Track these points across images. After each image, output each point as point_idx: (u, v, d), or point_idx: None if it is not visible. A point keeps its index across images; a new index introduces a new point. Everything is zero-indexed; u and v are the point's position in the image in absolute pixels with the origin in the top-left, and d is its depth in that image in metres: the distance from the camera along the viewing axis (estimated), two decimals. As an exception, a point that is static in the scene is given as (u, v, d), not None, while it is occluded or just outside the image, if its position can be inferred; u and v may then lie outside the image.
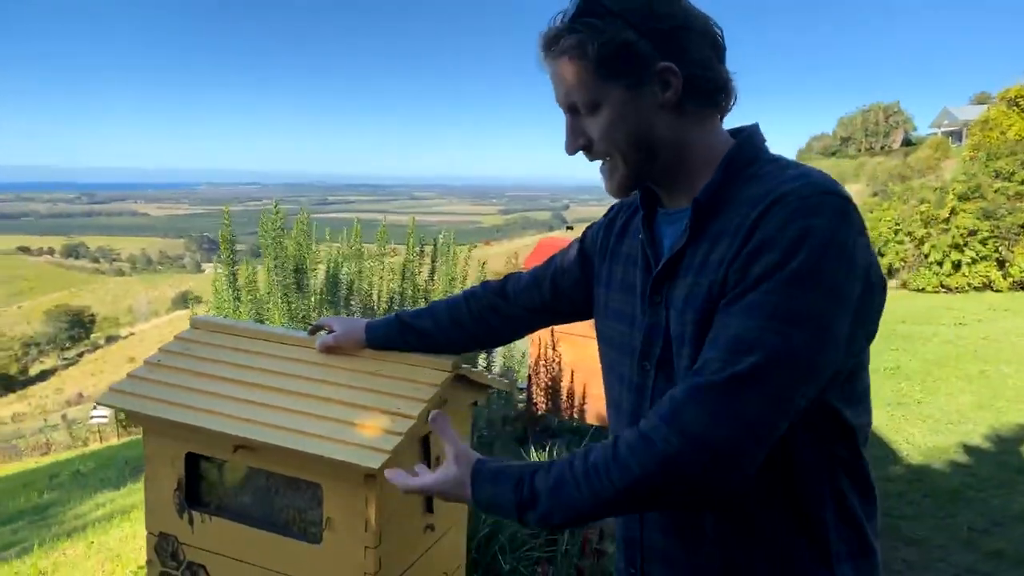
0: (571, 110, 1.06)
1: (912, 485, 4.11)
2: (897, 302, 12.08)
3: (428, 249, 3.10)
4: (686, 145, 1.05)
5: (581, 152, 1.10)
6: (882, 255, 16.55)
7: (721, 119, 1.09)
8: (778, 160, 1.04)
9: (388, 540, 1.41)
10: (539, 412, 4.13)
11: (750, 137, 1.07)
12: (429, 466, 1.54)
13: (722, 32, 1.05)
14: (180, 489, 1.54)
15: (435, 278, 3.08)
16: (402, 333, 1.50)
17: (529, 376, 4.19)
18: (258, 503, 1.52)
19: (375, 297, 2.85)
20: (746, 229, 0.93)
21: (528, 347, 4.23)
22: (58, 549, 5.11)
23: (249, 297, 2.59)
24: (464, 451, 1.08)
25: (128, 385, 1.55)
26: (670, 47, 0.99)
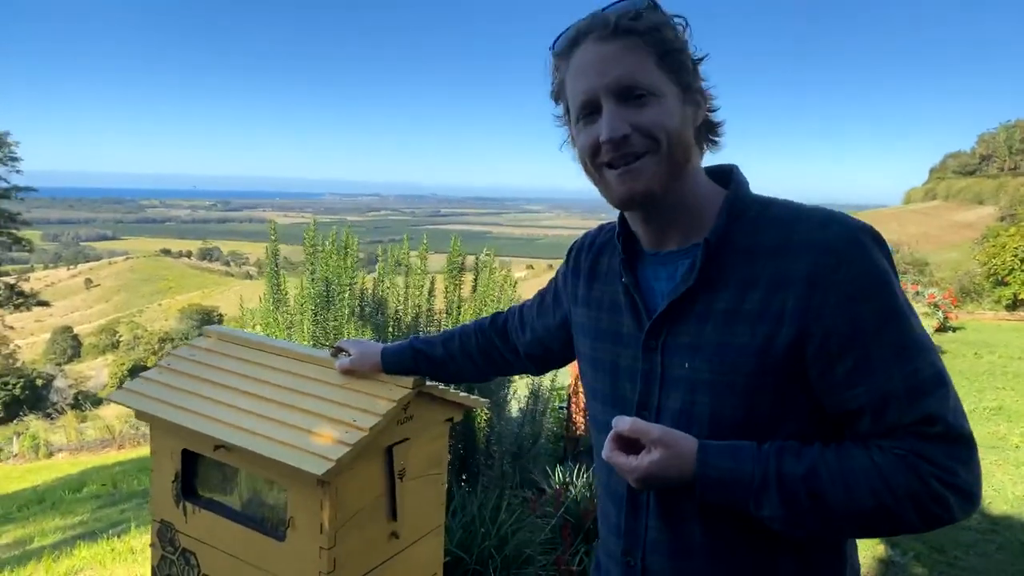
0: (622, 94, 0.97)
1: (986, 536, 3.81)
2: (1018, 336, 11.10)
3: (470, 265, 3.20)
4: (695, 174, 1.04)
5: (601, 148, 0.99)
6: (1006, 284, 15.22)
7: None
8: (768, 202, 1.03)
9: (344, 543, 1.51)
10: (578, 433, 4.16)
11: (741, 181, 1.05)
12: (393, 479, 1.64)
13: None
14: (177, 481, 1.71)
15: (474, 296, 3.17)
16: (415, 360, 1.53)
17: (568, 396, 4.22)
18: (239, 499, 1.66)
19: (402, 314, 2.98)
20: (802, 281, 0.92)
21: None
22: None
23: (284, 309, 2.79)
24: (668, 431, 0.95)
25: (137, 385, 1.74)
26: (699, 77, 1.02)
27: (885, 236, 1.01)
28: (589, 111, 1.00)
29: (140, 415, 1.71)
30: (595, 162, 1.01)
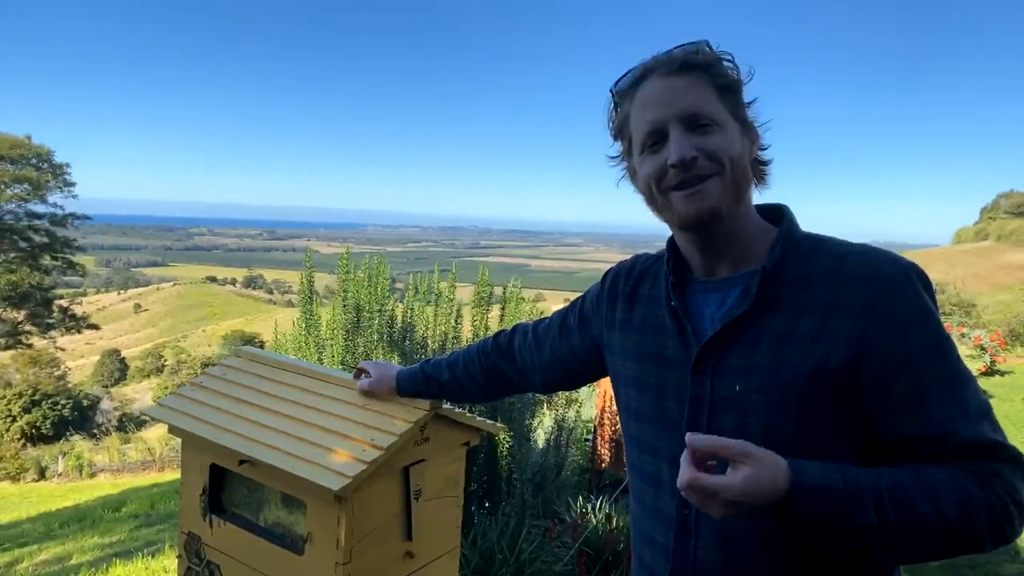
0: (689, 122, 1.03)
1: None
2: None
3: (497, 295, 3.27)
4: (749, 206, 1.11)
5: (668, 172, 1.05)
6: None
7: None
8: (820, 237, 1.09)
9: (359, 559, 1.56)
10: (603, 465, 4.14)
11: (792, 218, 1.12)
12: (409, 498, 1.69)
13: None
14: (205, 494, 1.78)
15: (502, 325, 3.23)
16: (426, 383, 1.60)
17: (594, 428, 4.22)
18: (261, 514, 1.72)
19: (430, 340, 3.05)
20: (856, 308, 0.97)
21: (593, 398, 4.27)
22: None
23: (316, 334, 2.90)
24: (747, 443, 0.89)
25: (172, 401, 1.83)
26: (750, 117, 1.10)
27: (931, 276, 1.06)
28: (655, 140, 1.06)
29: (172, 429, 1.80)
30: (661, 187, 1.07)
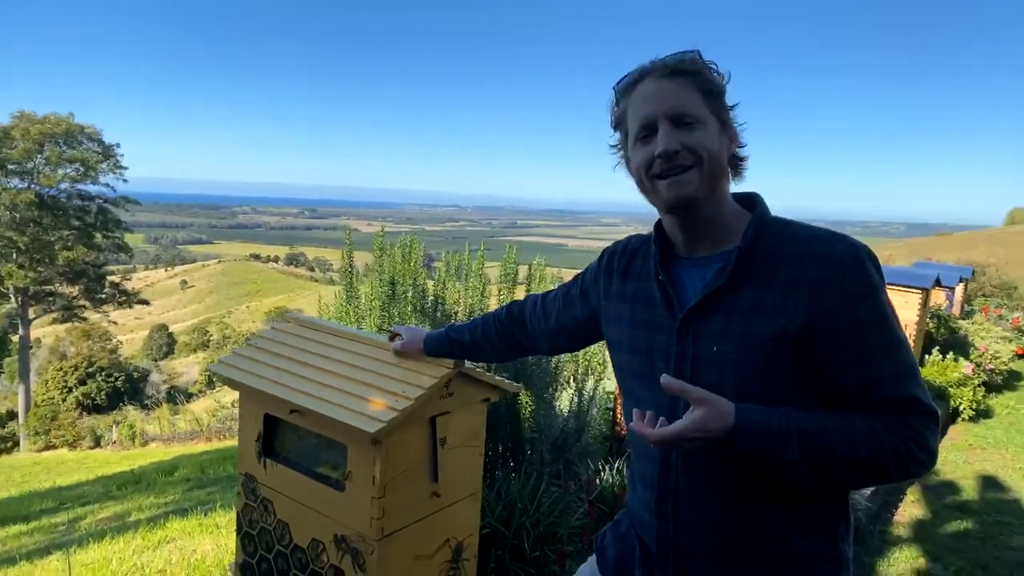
0: (675, 119, 1.21)
1: (1034, 556, 3.79)
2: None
3: (523, 271, 3.49)
4: (725, 194, 1.30)
5: (655, 162, 1.23)
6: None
7: None
8: (787, 222, 1.29)
9: (392, 495, 1.81)
10: (622, 433, 4.34)
11: (764, 205, 1.32)
12: (435, 445, 1.93)
13: None
14: (259, 440, 2.05)
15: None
16: (449, 345, 1.82)
17: (614, 399, 4.41)
18: (308, 456, 1.99)
19: (457, 310, 3.29)
20: (813, 283, 1.17)
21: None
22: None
23: (356, 305, 3.16)
24: (707, 394, 1.12)
25: (231, 359, 2.10)
26: (731, 118, 1.28)
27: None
28: (647, 133, 1.26)
29: (232, 383, 2.07)
30: (649, 174, 1.26)
